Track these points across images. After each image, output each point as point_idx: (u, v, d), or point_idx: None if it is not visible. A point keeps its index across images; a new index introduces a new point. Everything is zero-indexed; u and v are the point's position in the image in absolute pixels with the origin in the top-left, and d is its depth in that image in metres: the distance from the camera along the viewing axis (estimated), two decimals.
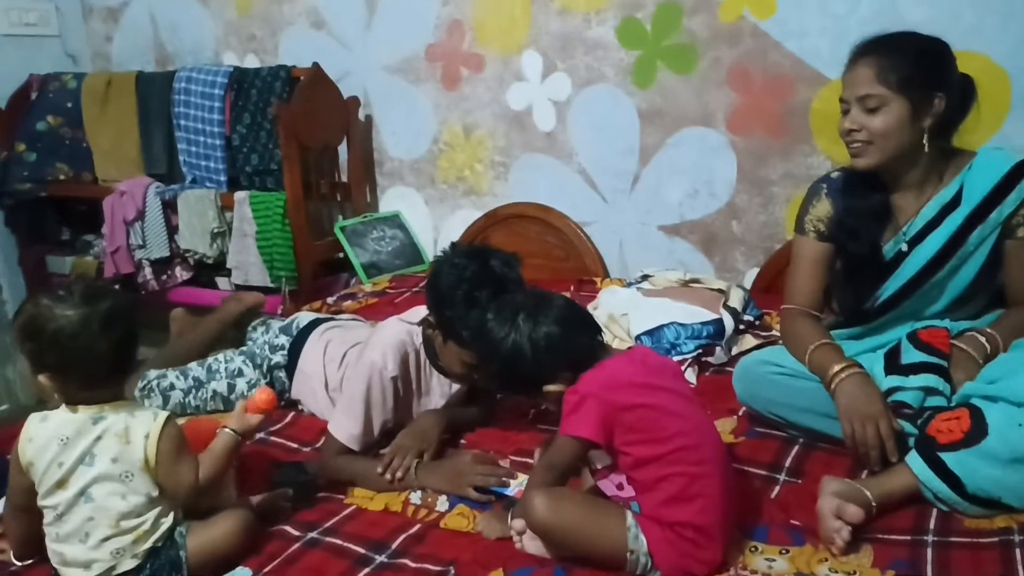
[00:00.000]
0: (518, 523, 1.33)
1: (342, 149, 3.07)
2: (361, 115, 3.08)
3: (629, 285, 2.38)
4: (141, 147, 3.16)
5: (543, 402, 1.48)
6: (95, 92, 3.19)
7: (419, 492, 1.51)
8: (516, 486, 1.50)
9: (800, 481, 1.48)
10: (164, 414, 1.26)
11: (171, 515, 1.27)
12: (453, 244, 1.64)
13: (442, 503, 1.48)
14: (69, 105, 3.23)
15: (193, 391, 1.91)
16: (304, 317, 2.05)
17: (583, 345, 1.34)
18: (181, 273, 3.09)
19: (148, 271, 3.06)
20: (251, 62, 3.23)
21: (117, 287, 3.08)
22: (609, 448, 1.27)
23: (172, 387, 1.92)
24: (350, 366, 1.75)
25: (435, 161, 3.05)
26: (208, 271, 3.08)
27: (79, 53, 3.57)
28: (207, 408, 1.92)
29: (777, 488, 1.47)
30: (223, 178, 3.00)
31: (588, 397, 1.26)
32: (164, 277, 3.08)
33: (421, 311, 1.67)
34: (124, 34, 3.51)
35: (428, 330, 1.63)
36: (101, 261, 3.14)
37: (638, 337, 2.08)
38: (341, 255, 2.97)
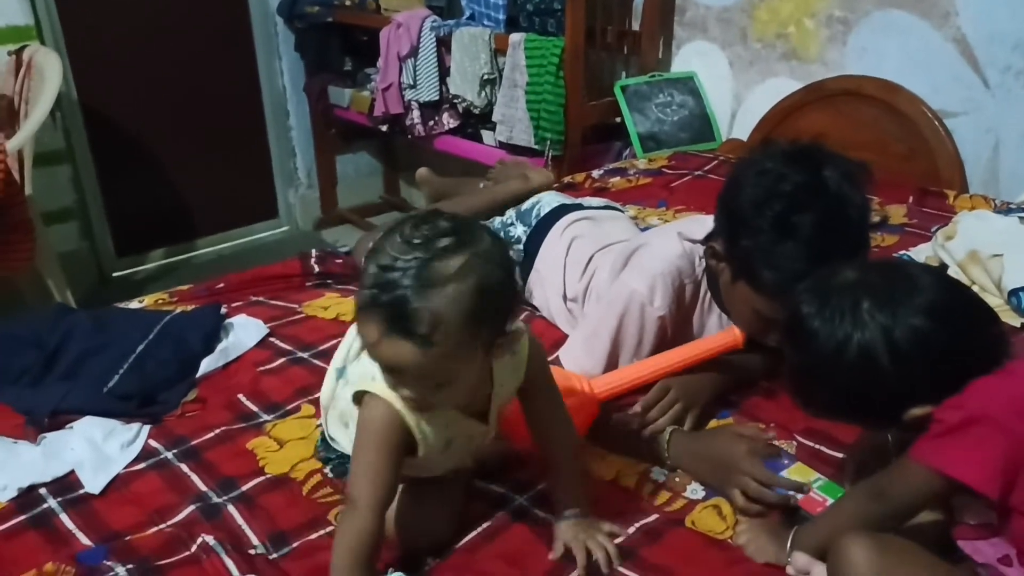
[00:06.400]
0: (802, 560, 0.92)
1: None
2: None
3: (1007, 212, 1.70)
4: None
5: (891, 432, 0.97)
6: None
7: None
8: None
9: None
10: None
11: None
12: (768, 140, 1.15)
13: (694, 490, 1.10)
14: None
15: None
16: (548, 201, 1.65)
17: (976, 345, 0.83)
18: (448, 120, 2.87)
19: (416, 114, 2.89)
20: None
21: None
22: (1001, 504, 0.81)
23: None
24: (597, 276, 1.37)
25: (751, 11, 2.43)
26: (475, 121, 2.82)
27: None
28: None
29: None
30: (502, 16, 2.65)
31: (984, 421, 0.80)
32: (431, 123, 2.89)
33: (708, 223, 1.22)
34: None
35: (712, 260, 1.18)
36: (374, 97, 3.02)
37: (1013, 293, 1.45)
38: (618, 120, 2.55)
